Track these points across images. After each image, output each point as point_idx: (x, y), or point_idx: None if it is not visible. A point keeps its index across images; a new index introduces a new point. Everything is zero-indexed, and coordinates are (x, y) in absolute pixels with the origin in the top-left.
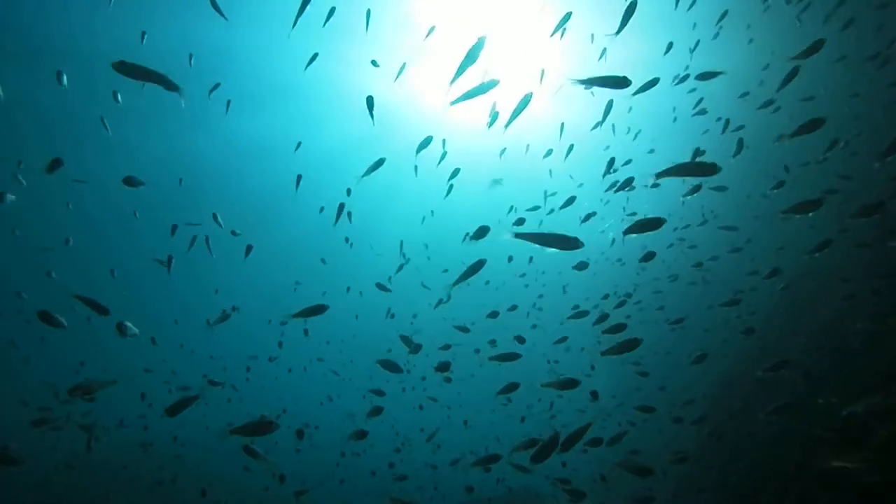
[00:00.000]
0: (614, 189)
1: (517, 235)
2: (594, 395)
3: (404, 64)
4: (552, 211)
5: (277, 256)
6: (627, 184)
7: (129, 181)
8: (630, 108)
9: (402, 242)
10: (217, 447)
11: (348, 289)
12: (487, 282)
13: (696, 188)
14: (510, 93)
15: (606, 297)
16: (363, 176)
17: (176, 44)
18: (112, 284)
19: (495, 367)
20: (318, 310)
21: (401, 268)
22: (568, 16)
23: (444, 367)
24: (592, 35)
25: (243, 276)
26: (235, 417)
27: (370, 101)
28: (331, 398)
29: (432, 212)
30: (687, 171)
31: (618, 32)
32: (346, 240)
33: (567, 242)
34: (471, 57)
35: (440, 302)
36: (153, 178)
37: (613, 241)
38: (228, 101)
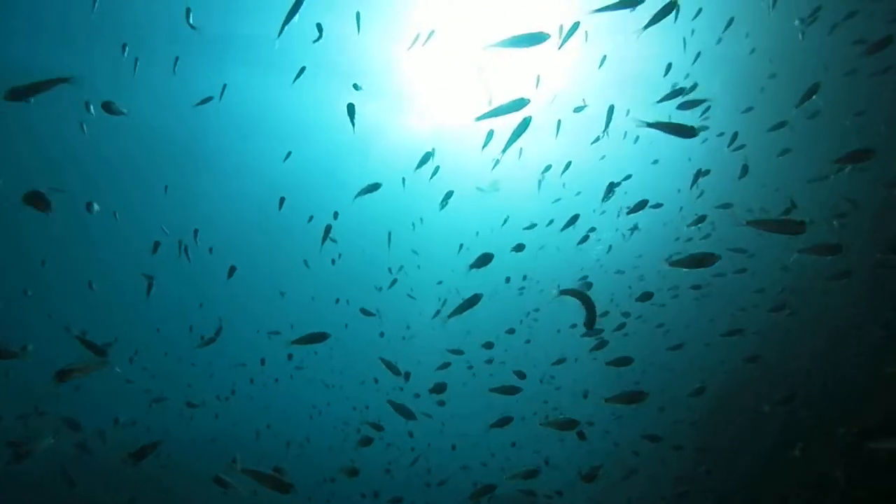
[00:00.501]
0: (626, 211)
1: (562, 293)
2: (581, 435)
3: (418, 35)
4: (551, 222)
5: (264, 265)
6: (641, 207)
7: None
8: (628, 112)
9: (390, 251)
10: (201, 460)
11: (337, 300)
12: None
13: (702, 217)
14: (506, 99)
15: (606, 314)
16: (356, 197)
17: (160, 52)
18: (96, 287)
19: (488, 379)
20: (320, 337)
21: (394, 282)
22: (576, 26)
23: (439, 388)
24: (586, 33)
25: (229, 284)
26: (220, 432)
27: (351, 109)
28: (320, 411)
29: (421, 219)
30: (777, 227)
31: (646, 27)
32: (333, 261)
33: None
34: (506, 109)
35: (437, 313)
36: (139, 183)
37: (610, 248)
38: (224, 86)
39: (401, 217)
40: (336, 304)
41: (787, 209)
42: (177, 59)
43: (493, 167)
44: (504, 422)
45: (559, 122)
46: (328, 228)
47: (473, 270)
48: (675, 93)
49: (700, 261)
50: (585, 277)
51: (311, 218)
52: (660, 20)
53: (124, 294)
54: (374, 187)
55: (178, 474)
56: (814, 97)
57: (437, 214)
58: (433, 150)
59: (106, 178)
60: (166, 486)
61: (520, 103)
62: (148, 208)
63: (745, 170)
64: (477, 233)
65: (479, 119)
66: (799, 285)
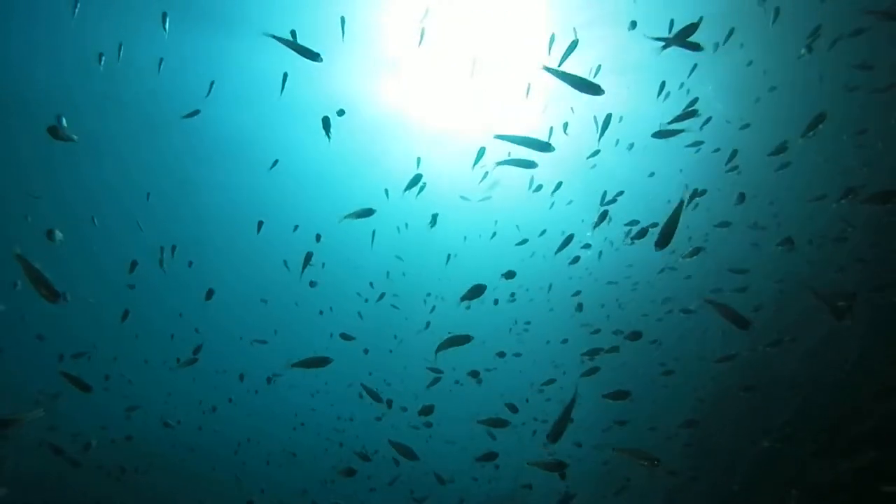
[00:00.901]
0: (630, 237)
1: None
2: (563, 476)
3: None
4: (544, 232)
5: (247, 272)
6: (643, 234)
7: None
8: (621, 118)
9: (375, 256)
10: (184, 468)
11: (321, 312)
12: (468, 306)
13: (697, 250)
14: (500, 99)
15: (597, 331)
16: (345, 217)
17: (148, 55)
18: (75, 296)
19: (475, 388)
20: (321, 362)
21: (381, 296)
22: (574, 44)
23: (427, 410)
24: (577, 40)
25: (215, 284)
26: (201, 441)
27: (326, 122)
28: (303, 422)
29: (406, 224)
30: (829, 303)
31: (665, 47)
32: (311, 283)
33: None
34: (528, 143)
35: (428, 325)
36: (121, 189)
37: (601, 254)
38: (212, 83)
39: (386, 221)
40: (322, 312)
41: (783, 240)
42: (161, 60)
43: (482, 179)
44: (490, 457)
45: (551, 129)
46: (308, 256)
47: (464, 334)
48: (686, 115)
49: (738, 319)
50: (578, 293)
51: (296, 227)
52: (684, 39)
53: (106, 301)
54: (367, 212)
55: (159, 483)
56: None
57: (423, 218)
58: (421, 174)
59: (87, 183)
60: (148, 495)
61: (545, 147)
62: (132, 215)
63: (741, 197)
64: (465, 238)
65: (498, 137)
66: (796, 306)
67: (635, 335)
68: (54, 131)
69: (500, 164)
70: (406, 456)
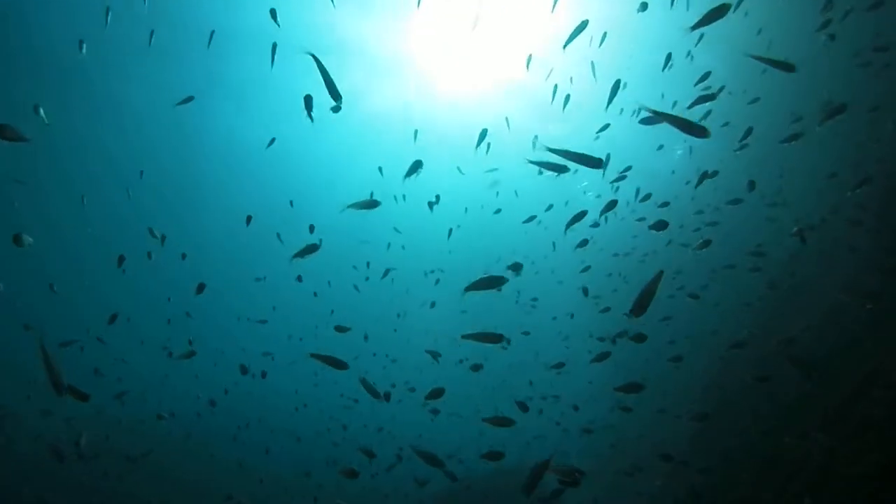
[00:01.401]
0: (649, 227)
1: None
2: (575, 484)
3: None
4: (550, 207)
5: (242, 250)
6: (662, 226)
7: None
8: (625, 85)
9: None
10: (181, 452)
11: (315, 294)
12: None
13: (707, 242)
14: (498, 77)
15: (607, 310)
16: (349, 207)
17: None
18: (66, 278)
19: (477, 377)
20: (339, 364)
21: (386, 273)
22: (584, 24)
23: (436, 394)
24: (587, 21)
25: (207, 270)
26: (198, 428)
27: (308, 101)
28: (305, 403)
29: (404, 196)
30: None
31: (693, 28)
32: (299, 278)
33: None
34: (579, 159)
35: (433, 305)
36: (113, 171)
37: (607, 219)
38: (213, 32)
39: (384, 192)
40: (315, 294)
41: (796, 231)
42: (152, 32)
43: (487, 151)
44: (495, 456)
45: (555, 86)
46: (309, 248)
47: (500, 333)
48: (705, 98)
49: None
50: (588, 268)
51: (291, 203)
52: (711, 22)
53: (99, 285)
54: (372, 204)
55: (157, 471)
56: (825, 101)
57: (420, 189)
58: (421, 161)
59: (80, 167)
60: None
61: (596, 163)
62: (123, 195)
63: (751, 185)
64: (466, 209)
65: (550, 150)
66: (808, 281)
67: (640, 337)
68: (3, 131)
69: (531, 162)
70: (431, 464)
